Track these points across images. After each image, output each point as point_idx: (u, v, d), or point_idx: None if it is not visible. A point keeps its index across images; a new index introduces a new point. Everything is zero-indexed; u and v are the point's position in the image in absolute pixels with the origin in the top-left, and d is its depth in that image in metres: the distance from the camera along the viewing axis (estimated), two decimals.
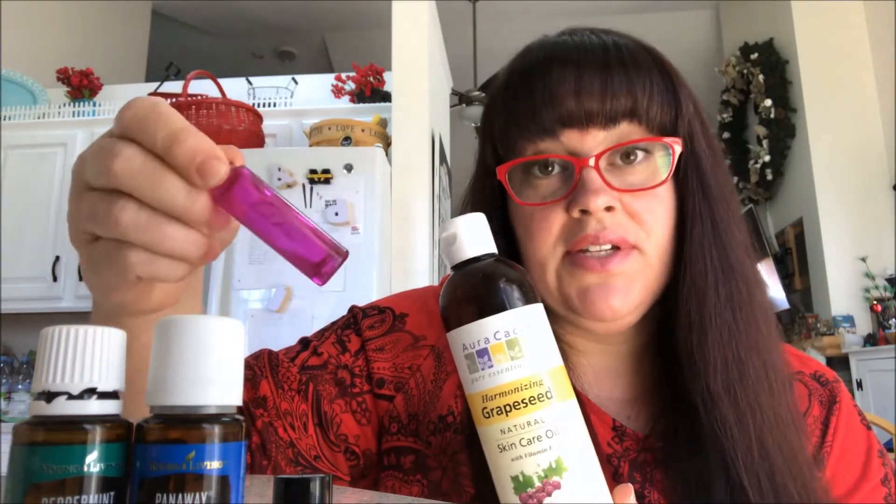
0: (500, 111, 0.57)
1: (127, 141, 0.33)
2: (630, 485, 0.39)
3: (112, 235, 0.34)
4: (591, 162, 0.52)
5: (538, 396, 0.36)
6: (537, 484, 0.35)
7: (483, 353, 0.36)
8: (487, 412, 0.36)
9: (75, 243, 0.38)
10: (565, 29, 0.59)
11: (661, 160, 0.54)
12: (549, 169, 0.55)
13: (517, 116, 0.55)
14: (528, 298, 0.38)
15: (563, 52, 0.55)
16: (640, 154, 0.54)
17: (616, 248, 0.53)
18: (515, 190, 0.56)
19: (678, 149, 0.54)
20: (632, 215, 0.53)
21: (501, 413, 0.36)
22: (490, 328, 0.36)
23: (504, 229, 0.59)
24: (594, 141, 0.53)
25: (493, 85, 0.60)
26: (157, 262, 0.34)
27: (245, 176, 0.34)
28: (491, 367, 0.36)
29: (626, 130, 0.53)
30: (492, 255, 0.39)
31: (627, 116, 0.53)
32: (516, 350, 0.36)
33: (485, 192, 0.60)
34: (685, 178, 0.55)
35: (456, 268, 0.39)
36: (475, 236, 0.39)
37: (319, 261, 0.34)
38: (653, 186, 0.53)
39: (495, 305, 0.37)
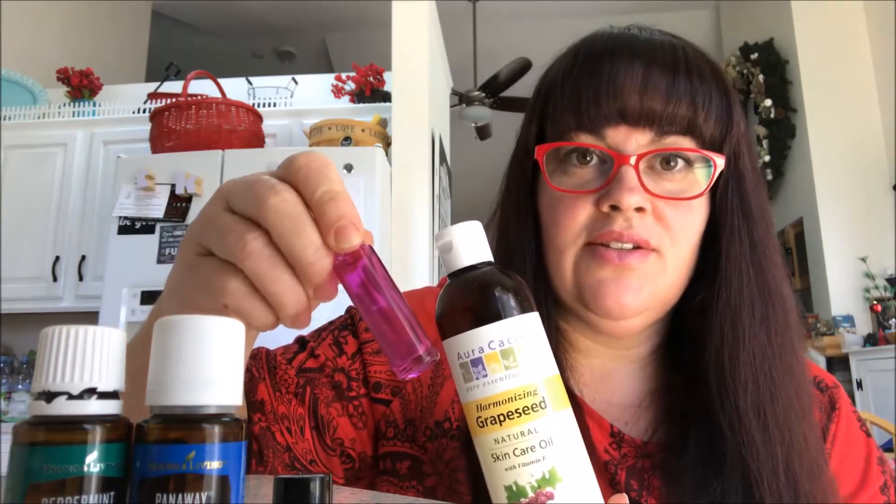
0: (560, 91, 0.56)
1: (288, 185, 0.35)
2: (624, 494, 0.38)
3: (230, 256, 0.34)
4: (632, 160, 0.52)
5: (532, 406, 0.35)
6: (530, 494, 0.35)
7: (477, 362, 0.36)
8: (482, 422, 0.36)
9: (184, 251, 0.38)
10: (632, 24, 0.59)
11: (701, 173, 0.54)
12: (588, 160, 0.54)
13: (578, 100, 0.54)
14: (524, 307, 0.38)
15: (631, 44, 0.55)
16: (681, 163, 0.54)
17: (637, 247, 0.52)
18: (549, 173, 0.56)
19: (720, 164, 0.54)
20: (660, 220, 0.53)
21: (495, 423, 0.36)
22: (484, 337, 0.36)
23: (534, 211, 0.59)
24: (641, 141, 0.53)
25: (554, 65, 0.59)
26: (250, 299, 0.34)
27: (368, 257, 0.36)
28: (485, 376, 0.36)
29: (674, 139, 0.53)
30: (488, 263, 0.39)
31: (683, 126, 0.53)
32: (511, 360, 0.36)
33: (521, 169, 0.60)
34: (724, 196, 0.55)
35: (452, 276, 0.39)
36: (471, 244, 0.39)
37: (404, 358, 0.35)
38: (689, 198, 0.53)
39: (490, 315, 0.37)
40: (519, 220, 0.58)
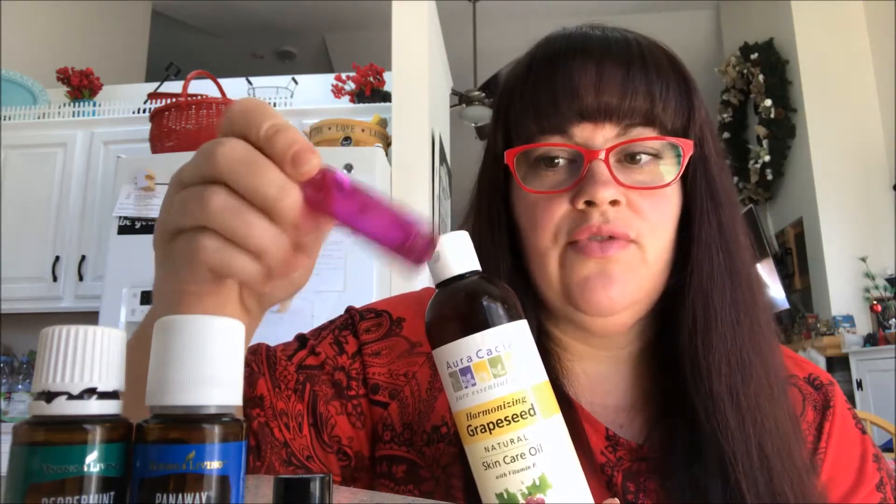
0: (518, 97, 0.57)
1: (232, 136, 0.34)
2: (616, 500, 0.38)
3: (196, 221, 0.33)
4: (601, 155, 0.52)
5: (521, 413, 0.36)
6: (521, 501, 0.35)
7: (466, 371, 0.37)
8: (472, 430, 0.36)
9: (157, 245, 0.37)
10: (585, 23, 0.59)
11: (670, 161, 0.54)
12: (556, 161, 0.54)
13: (536, 104, 0.55)
14: (512, 315, 0.38)
15: (585, 43, 0.55)
16: (649, 154, 0.54)
17: (612, 237, 0.53)
18: (521, 178, 0.56)
19: (689, 151, 0.54)
20: (636, 212, 0.53)
21: (485, 431, 0.36)
22: (472, 346, 0.36)
23: (509, 218, 0.59)
24: (606, 136, 0.53)
25: (512, 70, 0.60)
26: (231, 252, 0.33)
27: (333, 174, 0.34)
28: (474, 384, 0.36)
29: (639, 130, 0.53)
30: (476, 272, 0.39)
31: (642, 117, 0.53)
32: (499, 367, 0.36)
33: (492, 178, 0.60)
34: (693, 182, 0.56)
35: (440, 286, 0.39)
36: (459, 254, 0.39)
37: (411, 238, 0.34)
38: (661, 186, 0.53)
39: (478, 323, 0.37)
40: (492, 230, 0.58)
